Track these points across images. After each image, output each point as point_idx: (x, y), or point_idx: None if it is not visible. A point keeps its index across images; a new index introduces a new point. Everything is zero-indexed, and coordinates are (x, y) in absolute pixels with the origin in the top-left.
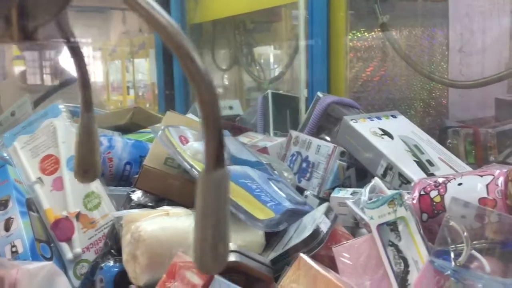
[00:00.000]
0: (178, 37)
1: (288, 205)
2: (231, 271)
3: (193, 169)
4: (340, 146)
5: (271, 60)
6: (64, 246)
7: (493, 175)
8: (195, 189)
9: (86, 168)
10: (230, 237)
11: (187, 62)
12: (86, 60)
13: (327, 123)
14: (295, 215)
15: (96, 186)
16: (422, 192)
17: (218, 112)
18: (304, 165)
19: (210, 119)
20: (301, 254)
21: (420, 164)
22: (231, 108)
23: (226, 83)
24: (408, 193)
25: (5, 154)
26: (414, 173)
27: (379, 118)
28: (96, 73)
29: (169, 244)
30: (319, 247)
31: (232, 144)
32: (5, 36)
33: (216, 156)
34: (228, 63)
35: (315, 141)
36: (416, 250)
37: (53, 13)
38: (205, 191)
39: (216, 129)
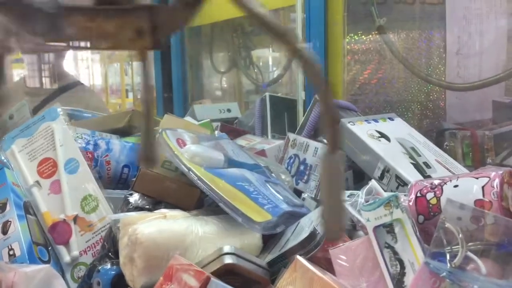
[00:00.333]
0: (288, 34)
1: (285, 207)
2: (227, 274)
3: (190, 172)
4: None
5: (270, 62)
6: (62, 249)
7: (489, 177)
8: (192, 191)
9: (148, 157)
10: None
11: (301, 59)
12: (86, 63)
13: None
14: (292, 217)
15: (94, 189)
16: (419, 194)
17: (334, 103)
18: (301, 167)
19: (328, 110)
20: (298, 256)
21: (417, 166)
22: (229, 111)
23: (225, 85)
24: (404, 195)
25: (3, 157)
26: (411, 175)
27: (376, 120)
28: (95, 76)
29: (166, 247)
30: (316, 249)
31: (230, 147)
32: (138, 45)
33: (335, 142)
34: (227, 66)
35: (313, 143)
36: (412, 252)
37: (179, 26)
38: (328, 170)
39: (335, 118)
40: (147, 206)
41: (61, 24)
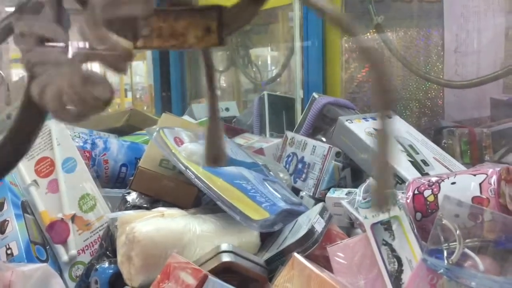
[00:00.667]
0: (345, 20)
1: (283, 205)
2: (225, 272)
3: (188, 170)
4: (336, 146)
5: (268, 61)
6: (60, 248)
7: (486, 174)
8: (190, 190)
9: (215, 156)
10: None
11: (359, 42)
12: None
13: (322, 124)
14: (290, 215)
15: (92, 188)
16: (416, 192)
17: (389, 86)
18: (299, 165)
19: (382, 93)
20: (295, 254)
21: (414, 164)
22: (227, 109)
23: (223, 84)
24: (402, 192)
25: None
26: (408, 173)
27: (374, 118)
28: None
29: (164, 245)
30: (314, 247)
31: (228, 146)
32: (205, 42)
33: (387, 127)
34: (225, 65)
35: (311, 141)
36: (410, 249)
37: (243, 23)
38: (380, 143)
39: (388, 102)
40: (145, 205)
41: (138, 25)
